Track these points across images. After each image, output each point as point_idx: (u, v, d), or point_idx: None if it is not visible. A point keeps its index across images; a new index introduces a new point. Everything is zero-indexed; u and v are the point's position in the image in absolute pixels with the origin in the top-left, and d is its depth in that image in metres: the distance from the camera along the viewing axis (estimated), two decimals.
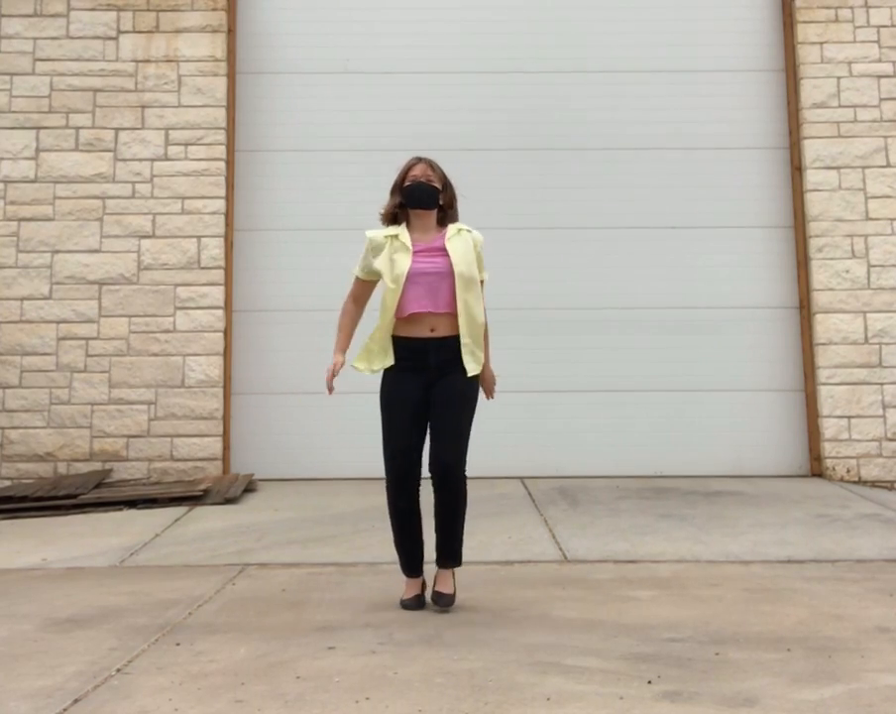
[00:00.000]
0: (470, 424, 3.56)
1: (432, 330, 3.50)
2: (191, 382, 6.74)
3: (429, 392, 3.51)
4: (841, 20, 7.12)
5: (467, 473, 3.55)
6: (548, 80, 7.21)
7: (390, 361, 3.53)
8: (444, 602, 3.52)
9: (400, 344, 3.53)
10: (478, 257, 3.61)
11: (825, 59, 7.09)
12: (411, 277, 3.48)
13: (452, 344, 3.51)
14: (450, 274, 3.49)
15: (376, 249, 3.58)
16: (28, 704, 2.53)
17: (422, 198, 3.57)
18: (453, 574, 3.63)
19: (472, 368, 3.51)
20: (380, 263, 3.54)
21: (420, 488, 3.57)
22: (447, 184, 3.65)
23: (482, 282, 3.64)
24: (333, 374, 3.59)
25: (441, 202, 3.62)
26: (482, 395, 3.66)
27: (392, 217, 3.66)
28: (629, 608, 3.52)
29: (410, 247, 3.52)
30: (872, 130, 7.00)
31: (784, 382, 6.98)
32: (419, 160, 3.65)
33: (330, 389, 3.57)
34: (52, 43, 7.01)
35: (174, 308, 6.80)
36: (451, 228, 3.62)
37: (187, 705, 2.50)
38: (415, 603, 3.56)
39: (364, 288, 3.70)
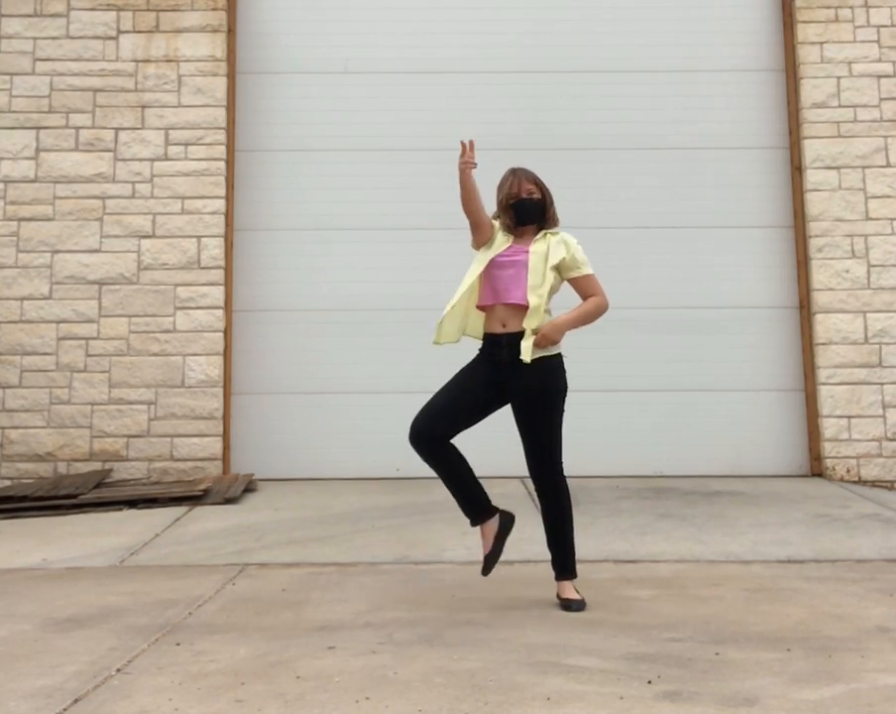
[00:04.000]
0: (554, 427, 3.57)
1: (504, 326, 3.60)
2: (191, 382, 6.74)
3: (503, 389, 3.58)
4: (841, 20, 7.12)
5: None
6: (547, 80, 7.21)
7: (453, 338, 3.71)
8: (574, 607, 3.51)
9: (484, 339, 3.68)
10: (571, 258, 3.67)
11: (825, 58, 7.08)
12: (491, 266, 3.62)
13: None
14: (525, 268, 3.59)
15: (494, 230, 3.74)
16: (28, 704, 2.53)
17: (531, 215, 3.70)
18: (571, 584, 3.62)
19: (524, 350, 3.51)
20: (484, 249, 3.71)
21: (446, 450, 3.52)
22: (544, 191, 3.76)
23: (587, 276, 3.73)
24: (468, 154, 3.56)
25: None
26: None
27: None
28: (629, 608, 3.53)
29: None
30: (872, 130, 7.00)
31: (784, 382, 6.98)
32: (515, 174, 3.73)
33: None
34: (52, 43, 7.01)
35: (174, 308, 6.80)
36: (539, 235, 3.70)
37: (187, 705, 2.50)
38: (496, 549, 3.57)
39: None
